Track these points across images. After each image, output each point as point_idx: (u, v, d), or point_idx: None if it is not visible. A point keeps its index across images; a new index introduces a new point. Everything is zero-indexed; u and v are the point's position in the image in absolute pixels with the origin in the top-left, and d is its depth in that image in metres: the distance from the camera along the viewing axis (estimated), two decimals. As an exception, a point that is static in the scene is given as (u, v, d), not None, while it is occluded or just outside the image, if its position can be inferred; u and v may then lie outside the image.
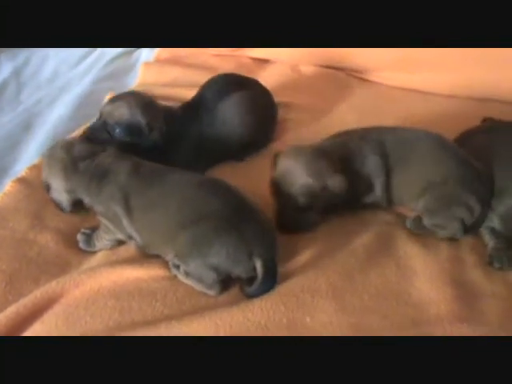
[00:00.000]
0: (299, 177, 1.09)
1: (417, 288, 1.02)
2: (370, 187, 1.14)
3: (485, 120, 1.36)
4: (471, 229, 1.12)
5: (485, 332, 0.93)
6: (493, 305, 0.99)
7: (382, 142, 1.15)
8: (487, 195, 1.11)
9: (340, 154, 1.14)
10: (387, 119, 1.40)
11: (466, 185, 1.11)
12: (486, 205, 1.11)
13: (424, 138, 1.15)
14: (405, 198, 1.16)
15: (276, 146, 1.38)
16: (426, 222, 1.13)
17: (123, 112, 1.20)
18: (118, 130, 1.20)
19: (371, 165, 1.14)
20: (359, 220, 1.16)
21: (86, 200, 1.07)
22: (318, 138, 1.32)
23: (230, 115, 1.31)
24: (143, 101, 1.24)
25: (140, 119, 1.20)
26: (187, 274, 1.00)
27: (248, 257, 0.99)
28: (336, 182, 1.09)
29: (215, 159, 1.32)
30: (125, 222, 1.04)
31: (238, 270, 1.00)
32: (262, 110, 1.37)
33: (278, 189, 1.11)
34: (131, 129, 1.20)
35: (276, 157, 1.15)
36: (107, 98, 1.42)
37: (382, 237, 1.12)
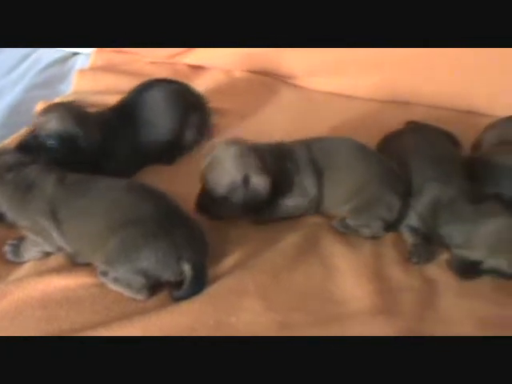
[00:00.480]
0: (224, 169, 1.12)
1: (340, 285, 1.07)
2: (299, 192, 1.18)
3: (408, 123, 1.43)
4: (392, 227, 1.18)
5: (401, 323, 0.99)
6: (410, 297, 1.05)
7: (311, 149, 1.20)
8: (406, 195, 1.18)
9: (273, 155, 1.17)
10: (314, 123, 1.48)
11: (387, 186, 1.17)
12: (405, 203, 1.18)
13: (344, 146, 1.21)
14: (333, 206, 1.20)
15: (207, 150, 1.41)
16: (352, 222, 1.18)
17: (56, 124, 1.19)
18: (51, 142, 1.19)
19: (303, 169, 1.18)
20: (288, 221, 1.20)
21: (8, 214, 1.05)
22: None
23: (157, 108, 1.33)
24: (76, 111, 1.24)
25: (74, 131, 1.19)
26: (115, 280, 1.01)
27: (177, 261, 1.01)
28: (260, 181, 1.11)
29: (145, 163, 1.33)
30: (55, 235, 1.04)
31: (167, 275, 1.02)
32: (189, 104, 1.39)
33: (204, 175, 1.13)
34: (65, 141, 1.19)
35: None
36: (38, 106, 1.41)
37: (309, 237, 1.16)
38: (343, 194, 1.19)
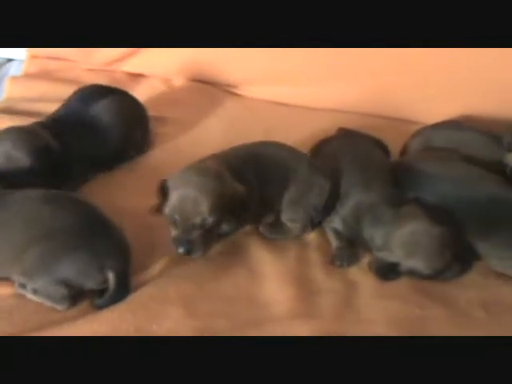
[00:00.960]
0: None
1: (264, 290, 1.09)
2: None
3: (340, 130, 1.47)
4: (318, 224, 1.22)
5: (318, 324, 1.01)
6: (329, 299, 1.07)
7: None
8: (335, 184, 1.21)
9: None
10: (254, 132, 1.49)
11: (316, 169, 1.21)
12: (334, 194, 1.20)
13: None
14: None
15: (147, 159, 1.42)
16: (285, 217, 1.21)
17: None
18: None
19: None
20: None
21: None
22: (188, 151, 1.37)
23: (100, 120, 1.33)
24: (25, 137, 1.21)
25: (26, 159, 1.17)
26: (35, 292, 1.00)
27: (99, 270, 1.01)
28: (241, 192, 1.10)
29: (88, 172, 1.32)
30: None
31: (90, 284, 1.02)
32: (131, 114, 1.40)
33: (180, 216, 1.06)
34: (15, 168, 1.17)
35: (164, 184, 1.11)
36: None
37: (236, 245, 1.18)
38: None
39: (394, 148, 1.46)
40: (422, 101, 1.56)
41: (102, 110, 1.34)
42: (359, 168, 1.24)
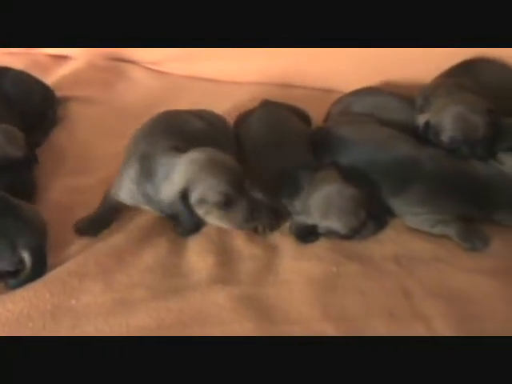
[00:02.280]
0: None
1: (185, 259, 1.11)
2: None
3: (262, 101, 1.48)
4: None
5: (237, 289, 1.04)
6: (250, 264, 1.10)
7: None
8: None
9: None
10: (180, 106, 1.49)
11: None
12: None
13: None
14: None
15: (70, 138, 1.42)
16: None
17: None
18: None
19: None
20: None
21: None
22: (115, 129, 1.37)
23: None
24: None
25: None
26: None
27: (12, 250, 1.00)
28: None
29: None
30: None
31: (3, 265, 1.01)
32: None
33: None
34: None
35: None
36: None
37: (158, 220, 1.18)
38: None
39: (319, 116, 1.50)
40: (344, 70, 1.60)
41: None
42: (276, 136, 1.27)
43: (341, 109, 1.44)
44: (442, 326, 0.95)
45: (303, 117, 1.44)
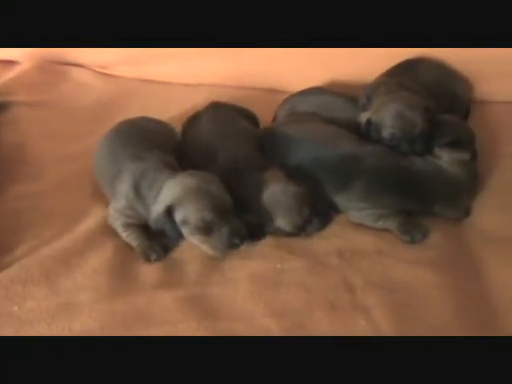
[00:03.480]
0: None
1: (132, 263, 1.12)
2: None
3: (210, 103, 1.50)
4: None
5: (182, 291, 1.05)
6: (196, 266, 1.11)
7: None
8: None
9: None
10: (131, 109, 1.50)
11: None
12: None
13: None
14: None
15: (18, 143, 1.40)
16: None
17: None
18: None
19: None
20: (85, 209, 1.23)
21: None
22: (64, 133, 1.36)
23: None
24: None
25: None
26: None
27: None
28: None
29: None
30: None
31: None
32: None
33: None
34: None
35: None
36: None
37: (104, 222, 1.19)
38: None
39: (268, 117, 1.53)
40: (291, 71, 1.63)
41: None
42: (224, 137, 1.29)
43: (287, 109, 1.46)
44: (380, 316, 0.98)
45: (251, 118, 1.45)
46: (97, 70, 1.64)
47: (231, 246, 1.09)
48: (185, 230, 1.09)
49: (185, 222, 1.07)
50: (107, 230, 1.17)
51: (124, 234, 1.15)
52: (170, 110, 1.50)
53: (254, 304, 1.02)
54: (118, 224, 1.16)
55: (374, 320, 0.98)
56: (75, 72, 1.63)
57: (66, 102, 1.53)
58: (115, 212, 1.16)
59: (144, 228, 1.15)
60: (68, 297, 1.02)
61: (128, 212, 1.15)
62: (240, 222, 1.11)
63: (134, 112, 1.47)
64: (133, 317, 0.99)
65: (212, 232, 1.07)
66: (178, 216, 1.07)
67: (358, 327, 0.97)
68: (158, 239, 1.14)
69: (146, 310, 1.00)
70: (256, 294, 1.04)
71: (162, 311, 1.00)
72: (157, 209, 1.08)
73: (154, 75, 1.64)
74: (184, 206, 1.06)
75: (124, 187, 1.14)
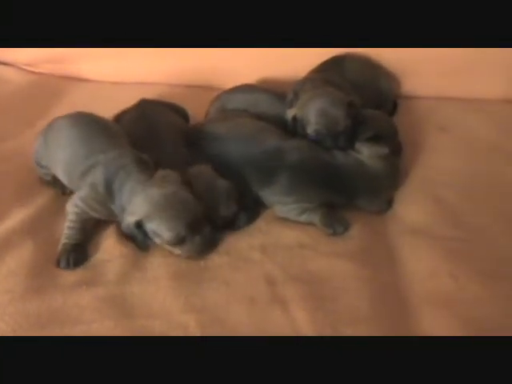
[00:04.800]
0: None
1: (52, 263, 1.10)
2: None
3: (140, 100, 1.49)
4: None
5: (102, 290, 1.05)
6: (118, 265, 1.10)
7: None
8: None
9: None
10: (58, 107, 1.48)
11: None
12: None
13: None
14: None
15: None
16: None
17: None
18: None
19: None
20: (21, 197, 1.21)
21: None
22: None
23: None
24: None
25: None
26: None
27: None
28: None
29: None
30: None
31: None
32: None
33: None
34: None
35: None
36: None
37: (25, 220, 1.16)
38: None
39: (200, 114, 1.53)
40: (224, 68, 1.64)
41: None
42: (151, 133, 1.28)
43: (218, 106, 1.47)
44: (297, 307, 1.00)
45: (181, 114, 1.46)
46: (23, 67, 1.59)
47: (205, 252, 1.11)
48: (157, 240, 1.09)
49: (156, 235, 1.08)
50: (27, 231, 1.14)
51: (68, 223, 1.14)
52: (98, 109, 1.46)
53: (175, 301, 1.02)
54: (72, 211, 1.14)
55: (289, 311, 1.00)
56: (1, 70, 1.58)
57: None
58: (78, 199, 1.13)
59: (85, 231, 1.15)
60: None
61: (91, 203, 1.13)
62: (210, 228, 1.12)
63: (61, 111, 1.45)
64: (47, 317, 0.97)
65: (185, 242, 1.08)
66: (150, 229, 1.07)
67: (275, 318, 0.98)
68: (79, 250, 1.12)
69: (63, 310, 0.99)
70: (177, 290, 1.04)
71: (78, 311, 0.99)
72: (127, 219, 1.08)
73: (82, 73, 1.61)
74: (155, 222, 1.06)
75: (96, 180, 1.12)
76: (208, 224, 1.12)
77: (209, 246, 1.12)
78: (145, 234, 1.08)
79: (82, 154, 1.17)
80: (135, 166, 1.12)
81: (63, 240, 1.13)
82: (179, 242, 1.08)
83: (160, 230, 1.07)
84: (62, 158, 1.19)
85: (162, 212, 1.06)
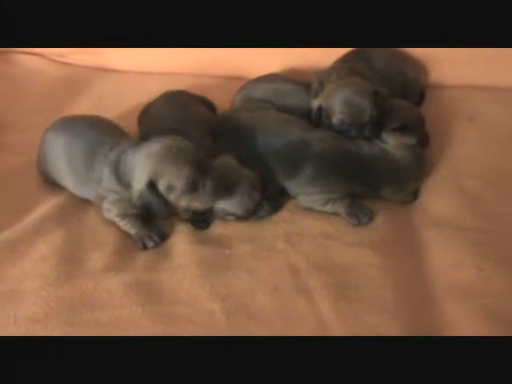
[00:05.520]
0: None
1: (81, 249, 1.13)
2: None
3: (167, 92, 1.51)
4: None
5: (130, 275, 1.07)
6: (146, 253, 1.14)
7: None
8: None
9: None
10: (86, 98, 1.51)
11: None
12: None
13: None
14: None
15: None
16: None
17: None
18: None
19: None
20: (42, 194, 1.24)
21: None
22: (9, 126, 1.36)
23: None
24: None
25: None
26: None
27: None
28: None
29: None
30: None
31: None
32: None
33: None
34: None
35: None
36: None
37: (56, 208, 1.20)
38: None
39: (226, 104, 1.54)
40: (249, 58, 1.64)
41: None
42: (177, 123, 1.30)
43: (242, 96, 1.48)
44: (320, 296, 1.01)
45: (207, 105, 1.47)
46: (53, 58, 1.63)
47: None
48: (171, 197, 1.10)
49: (170, 189, 1.09)
50: (57, 218, 1.18)
51: (121, 224, 1.17)
52: (125, 99, 1.51)
53: (200, 288, 1.04)
54: (113, 215, 1.17)
55: (313, 300, 1.01)
56: (26, 60, 1.62)
57: (21, 91, 1.52)
58: (109, 204, 1.16)
59: (139, 216, 1.17)
60: (14, 284, 1.03)
61: (121, 204, 1.15)
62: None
63: (87, 101, 1.49)
64: (78, 302, 1.01)
65: (198, 188, 1.09)
66: (162, 186, 1.08)
67: (298, 307, 1.00)
68: (154, 227, 1.17)
69: (92, 294, 1.02)
70: (202, 278, 1.06)
71: (108, 296, 1.02)
72: (138, 187, 1.09)
73: (110, 64, 1.64)
74: (164, 174, 1.07)
75: (107, 181, 1.14)
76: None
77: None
78: (159, 196, 1.09)
79: (84, 161, 1.17)
80: (133, 145, 1.14)
81: (132, 232, 1.16)
82: (192, 188, 1.09)
83: (171, 180, 1.07)
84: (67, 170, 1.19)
85: (167, 163, 1.08)
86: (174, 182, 1.07)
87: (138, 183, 1.09)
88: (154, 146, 1.10)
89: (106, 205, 1.17)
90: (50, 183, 1.25)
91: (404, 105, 1.34)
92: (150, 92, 1.52)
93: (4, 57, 1.61)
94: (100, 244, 1.14)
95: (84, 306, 1.00)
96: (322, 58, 1.54)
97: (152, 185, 1.08)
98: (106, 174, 1.14)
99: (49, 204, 1.20)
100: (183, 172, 1.07)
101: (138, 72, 1.64)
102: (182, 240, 1.15)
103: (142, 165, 1.09)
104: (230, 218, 1.20)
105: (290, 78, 1.50)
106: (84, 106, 1.45)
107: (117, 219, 1.17)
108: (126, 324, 0.98)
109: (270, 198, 1.22)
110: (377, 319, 0.96)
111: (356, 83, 1.32)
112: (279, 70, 1.61)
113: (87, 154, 1.17)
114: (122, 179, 1.12)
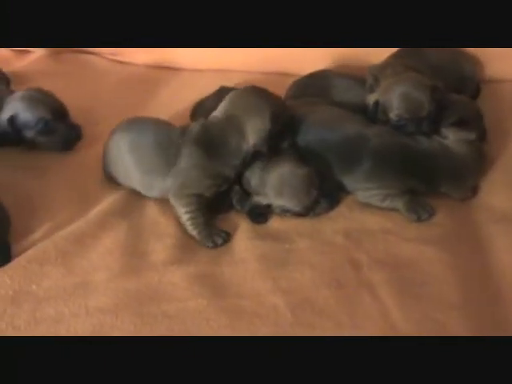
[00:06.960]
0: None
1: (144, 242, 1.15)
2: None
3: (220, 88, 1.52)
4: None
5: (193, 268, 1.08)
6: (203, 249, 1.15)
7: None
8: None
9: None
10: (142, 96, 1.55)
11: None
12: None
13: None
14: None
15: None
16: None
17: None
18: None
19: None
20: (100, 191, 1.26)
21: None
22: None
23: None
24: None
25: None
26: None
27: None
28: None
29: None
30: None
31: None
32: None
33: None
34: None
35: None
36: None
37: (119, 202, 1.22)
38: None
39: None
40: (301, 55, 1.63)
41: None
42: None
43: (295, 92, 1.48)
44: (385, 293, 1.01)
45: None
46: (109, 57, 1.66)
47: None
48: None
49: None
50: (120, 212, 1.20)
51: (188, 222, 1.16)
52: (181, 96, 1.53)
53: (262, 282, 1.05)
54: (182, 211, 1.17)
55: (379, 297, 1.00)
56: (90, 60, 1.66)
57: (82, 91, 1.56)
58: (183, 198, 1.18)
59: (205, 213, 1.18)
60: (83, 276, 1.06)
61: (200, 184, 1.17)
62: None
63: (144, 97, 1.52)
64: (145, 294, 1.02)
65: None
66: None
67: (363, 303, 1.00)
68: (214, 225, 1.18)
69: (158, 287, 1.04)
70: (264, 272, 1.06)
71: (172, 289, 1.03)
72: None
73: (164, 61, 1.66)
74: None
75: (190, 158, 1.17)
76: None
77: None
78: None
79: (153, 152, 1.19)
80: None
81: (192, 231, 1.16)
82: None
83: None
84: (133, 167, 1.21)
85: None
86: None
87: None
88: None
89: (173, 199, 1.18)
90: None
91: (462, 99, 1.33)
92: (202, 89, 1.54)
93: (68, 57, 1.67)
94: (161, 236, 1.15)
95: (150, 299, 1.02)
96: (370, 56, 1.53)
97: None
98: (187, 151, 1.17)
99: (112, 198, 1.22)
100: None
101: (190, 69, 1.67)
102: (241, 235, 1.16)
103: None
104: (288, 214, 1.20)
105: (342, 73, 1.49)
106: (144, 102, 1.47)
107: (186, 216, 1.17)
108: (193, 316, 0.98)
109: (327, 194, 1.22)
110: (445, 316, 0.95)
111: (413, 78, 1.31)
112: (330, 66, 1.61)
113: (155, 144, 1.19)
114: (211, 148, 1.17)
